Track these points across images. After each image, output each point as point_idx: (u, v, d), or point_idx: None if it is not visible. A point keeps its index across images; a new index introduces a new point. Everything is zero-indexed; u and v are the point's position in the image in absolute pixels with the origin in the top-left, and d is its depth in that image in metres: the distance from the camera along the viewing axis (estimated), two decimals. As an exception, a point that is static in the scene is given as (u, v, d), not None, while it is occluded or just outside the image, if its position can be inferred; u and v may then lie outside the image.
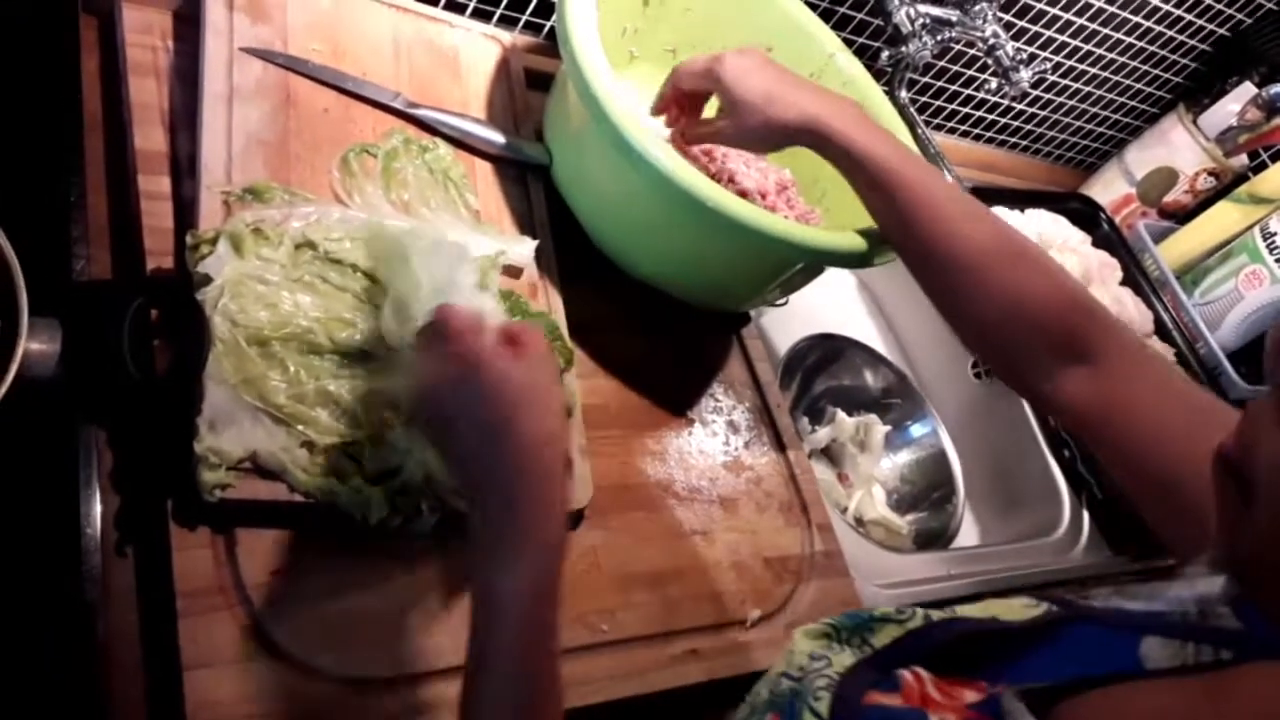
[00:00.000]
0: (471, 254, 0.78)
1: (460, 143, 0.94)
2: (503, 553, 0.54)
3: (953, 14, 1.24)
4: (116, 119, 0.80)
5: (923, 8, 1.22)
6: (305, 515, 0.70)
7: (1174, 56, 1.69)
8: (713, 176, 1.01)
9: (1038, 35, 1.51)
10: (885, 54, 1.28)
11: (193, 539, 0.66)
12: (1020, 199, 1.60)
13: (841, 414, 1.32)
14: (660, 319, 1.03)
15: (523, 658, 0.53)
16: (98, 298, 0.65)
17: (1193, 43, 1.67)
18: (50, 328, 0.62)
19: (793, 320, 1.33)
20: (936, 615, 0.55)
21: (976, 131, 1.71)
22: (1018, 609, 0.54)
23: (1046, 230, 1.56)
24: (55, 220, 0.73)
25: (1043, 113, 1.72)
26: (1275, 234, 1.51)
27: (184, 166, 0.78)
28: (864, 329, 1.49)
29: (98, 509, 0.66)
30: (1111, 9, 1.51)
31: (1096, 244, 1.57)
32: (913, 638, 0.53)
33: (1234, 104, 1.60)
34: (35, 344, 0.61)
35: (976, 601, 0.58)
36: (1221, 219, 1.62)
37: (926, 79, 1.52)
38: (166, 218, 0.76)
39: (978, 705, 0.45)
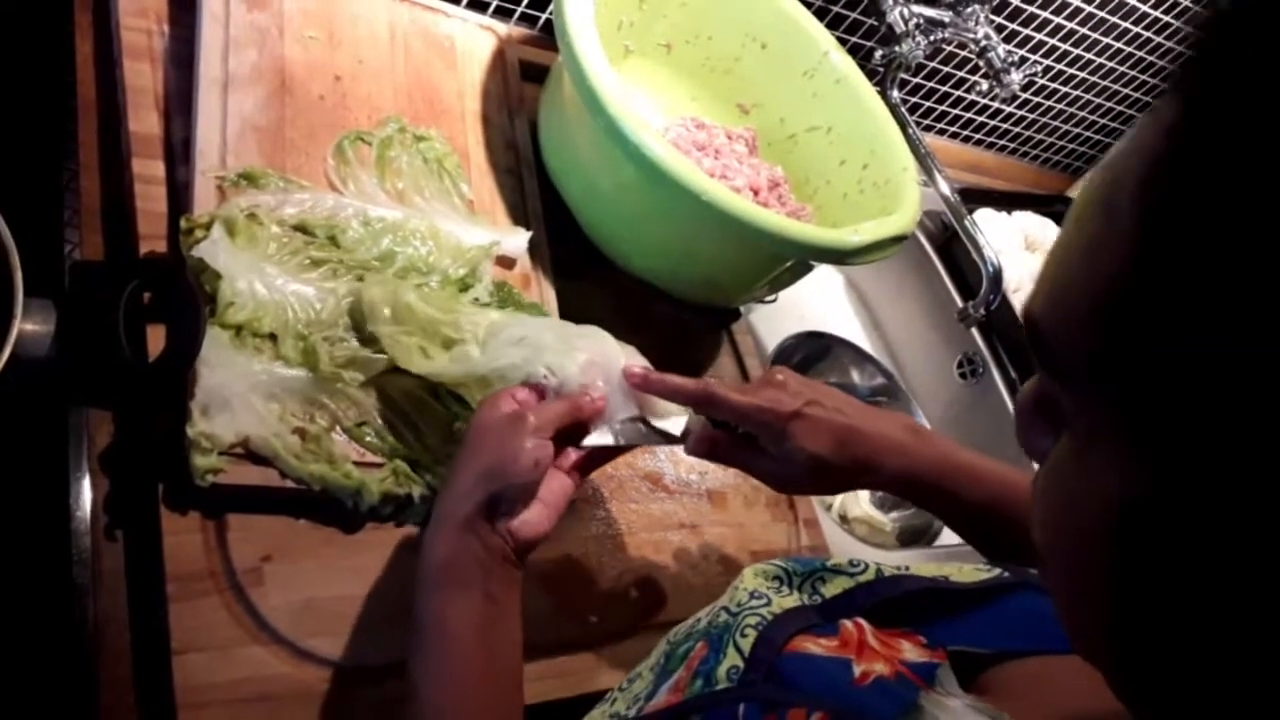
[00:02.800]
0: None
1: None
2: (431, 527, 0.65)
3: (945, 15, 1.24)
4: (111, 102, 0.79)
5: (916, 8, 1.23)
6: (297, 501, 0.70)
7: (1161, 62, 1.70)
8: (705, 172, 1.01)
9: (1029, 39, 1.52)
10: (878, 53, 1.28)
11: (183, 523, 0.66)
12: (1007, 201, 1.61)
13: (828, 411, 1.33)
14: (652, 313, 1.03)
15: (427, 610, 0.62)
16: (93, 279, 0.65)
17: (1180, 49, 1.68)
18: (45, 309, 0.62)
19: (781, 317, 1.34)
20: (888, 570, 0.56)
21: (966, 133, 1.72)
22: (969, 572, 0.55)
23: (1033, 232, 1.57)
24: (48, 202, 0.72)
25: (1031, 115, 1.73)
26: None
27: (178, 151, 0.77)
28: (851, 327, 1.50)
29: (88, 492, 0.66)
30: (1101, 14, 1.52)
31: (1082, 247, 1.59)
32: (862, 590, 0.55)
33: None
34: (30, 324, 0.60)
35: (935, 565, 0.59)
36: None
37: (918, 79, 1.53)
38: (160, 201, 0.75)
39: (914, 665, 0.46)
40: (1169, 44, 1.65)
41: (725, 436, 0.75)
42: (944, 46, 1.42)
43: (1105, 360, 0.28)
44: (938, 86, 1.56)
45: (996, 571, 0.55)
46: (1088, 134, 1.84)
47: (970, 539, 0.75)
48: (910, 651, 0.47)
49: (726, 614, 0.54)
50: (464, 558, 0.62)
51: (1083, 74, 1.66)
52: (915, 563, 1.13)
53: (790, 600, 0.55)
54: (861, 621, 0.49)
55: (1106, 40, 1.59)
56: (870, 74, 1.15)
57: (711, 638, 0.53)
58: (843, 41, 1.23)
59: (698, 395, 0.73)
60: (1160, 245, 0.26)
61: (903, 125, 1.13)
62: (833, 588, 0.56)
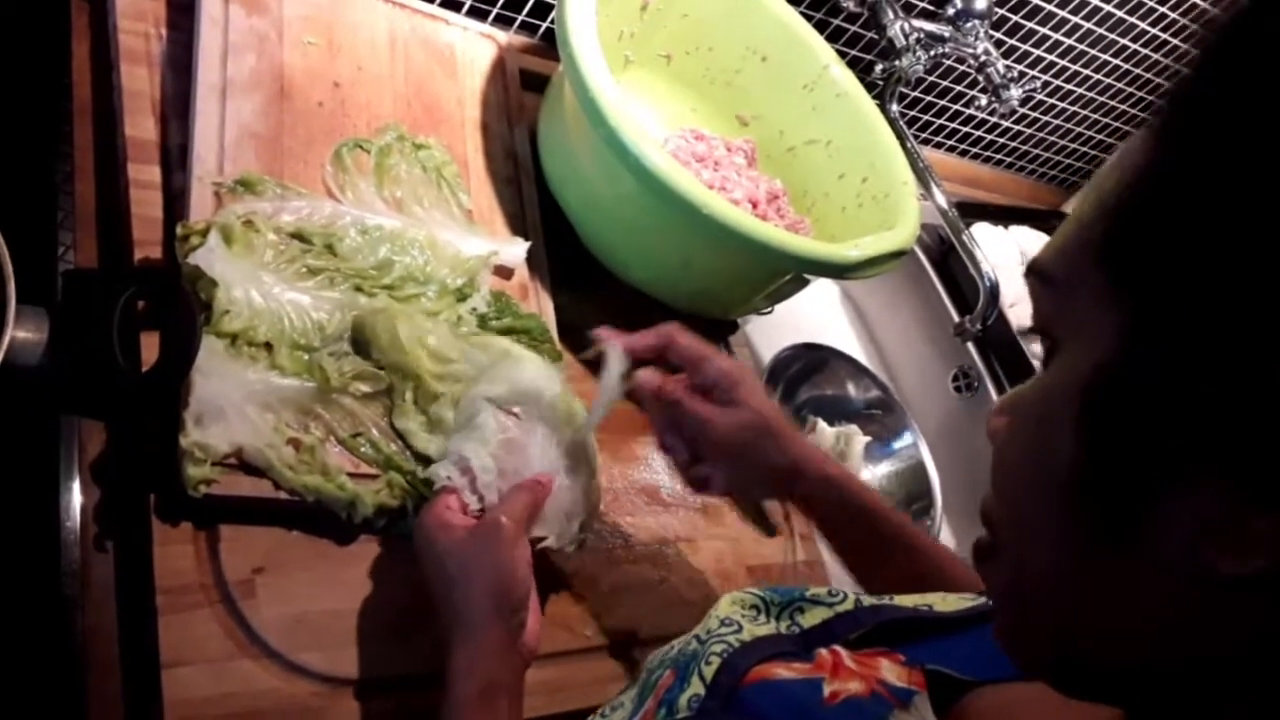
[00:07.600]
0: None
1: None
2: (451, 648, 0.64)
3: (946, 30, 1.24)
4: (107, 106, 0.79)
5: (917, 23, 1.23)
6: (290, 513, 0.69)
7: (1158, 79, 1.71)
8: (704, 184, 1.01)
9: (1028, 54, 1.52)
10: (878, 67, 1.28)
11: (175, 534, 0.65)
12: (1004, 215, 1.61)
13: (823, 424, 1.32)
14: (649, 324, 1.02)
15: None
16: (87, 287, 0.64)
17: (1176, 66, 1.69)
18: (38, 316, 0.61)
19: (778, 329, 1.33)
20: (867, 601, 0.56)
21: (963, 147, 1.72)
22: (953, 601, 0.55)
23: (1029, 247, 1.57)
24: (43, 207, 0.72)
25: (1029, 130, 1.74)
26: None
27: (175, 156, 0.77)
28: (847, 340, 1.50)
29: (78, 502, 0.65)
30: (1100, 30, 1.52)
31: (1078, 262, 1.59)
32: (841, 620, 0.55)
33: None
34: (22, 332, 0.60)
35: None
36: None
37: (917, 93, 1.52)
38: (156, 207, 0.75)
39: (892, 688, 0.45)
40: (1164, 60, 1.66)
41: (679, 378, 0.77)
42: (944, 61, 1.41)
43: (1108, 243, 0.32)
44: (937, 101, 1.56)
45: (980, 600, 0.55)
46: (1085, 149, 1.84)
47: (856, 564, 0.78)
48: (889, 671, 0.47)
49: (696, 641, 0.54)
50: (498, 687, 0.63)
51: (1081, 90, 1.66)
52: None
53: (765, 629, 0.54)
54: (838, 648, 0.49)
55: (1105, 57, 1.59)
56: (870, 87, 1.15)
57: (679, 665, 0.52)
58: (843, 55, 1.22)
59: (661, 337, 0.77)
60: (1178, 149, 0.30)
61: (902, 139, 1.13)
62: (811, 618, 0.56)
